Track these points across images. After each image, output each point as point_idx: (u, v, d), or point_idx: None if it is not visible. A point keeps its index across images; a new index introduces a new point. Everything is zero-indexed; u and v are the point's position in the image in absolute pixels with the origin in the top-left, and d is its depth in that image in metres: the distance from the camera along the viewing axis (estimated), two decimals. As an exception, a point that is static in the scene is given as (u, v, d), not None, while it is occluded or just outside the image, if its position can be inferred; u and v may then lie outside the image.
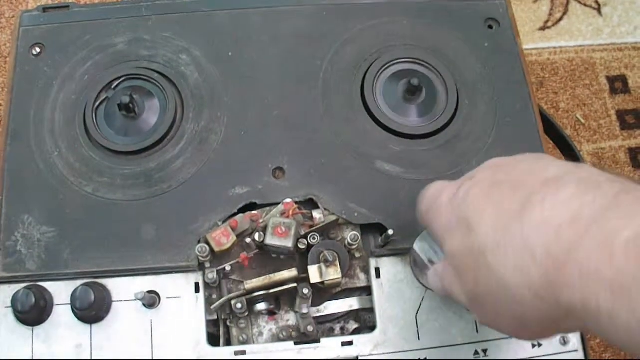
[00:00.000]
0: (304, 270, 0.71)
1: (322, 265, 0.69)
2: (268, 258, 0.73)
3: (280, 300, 0.73)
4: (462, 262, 0.53)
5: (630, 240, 0.41)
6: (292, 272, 0.70)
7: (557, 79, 1.21)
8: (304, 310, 0.70)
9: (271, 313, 0.73)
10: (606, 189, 0.45)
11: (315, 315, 0.71)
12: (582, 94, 1.20)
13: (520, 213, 0.47)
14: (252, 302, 0.71)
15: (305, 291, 0.70)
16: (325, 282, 0.69)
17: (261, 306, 0.71)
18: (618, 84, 1.21)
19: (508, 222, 0.48)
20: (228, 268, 0.72)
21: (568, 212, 0.44)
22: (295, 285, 0.70)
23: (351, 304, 0.73)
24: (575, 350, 0.71)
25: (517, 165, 0.53)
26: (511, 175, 0.51)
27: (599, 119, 1.18)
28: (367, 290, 0.73)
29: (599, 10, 1.28)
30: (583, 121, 1.18)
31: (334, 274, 0.69)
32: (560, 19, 1.27)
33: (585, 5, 1.28)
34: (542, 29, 1.26)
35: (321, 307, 0.72)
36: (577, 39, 1.25)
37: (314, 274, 0.69)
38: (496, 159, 0.57)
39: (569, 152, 0.96)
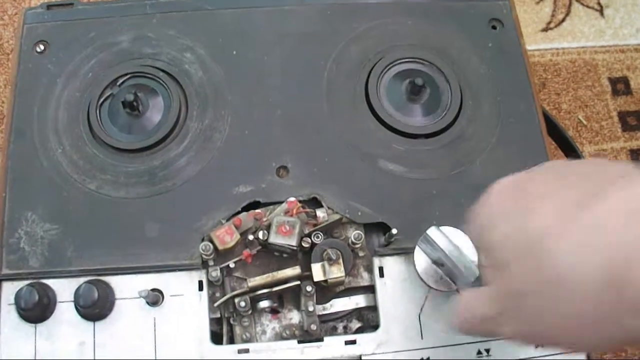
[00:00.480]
0: (307, 268, 0.71)
1: (326, 263, 0.69)
2: (271, 256, 0.73)
3: (284, 298, 0.73)
4: (510, 250, 0.48)
5: None
6: (295, 270, 0.70)
7: (560, 80, 1.21)
8: (310, 308, 0.70)
9: (274, 311, 0.73)
10: None
11: (319, 313, 0.71)
12: (584, 95, 1.20)
13: (591, 200, 0.44)
14: (255, 300, 0.70)
15: (309, 288, 0.70)
16: (329, 280, 0.69)
17: (264, 304, 0.71)
18: (620, 86, 1.21)
19: (574, 209, 0.44)
20: (232, 265, 0.72)
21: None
22: (298, 283, 0.70)
23: (357, 301, 0.73)
24: (577, 351, 0.71)
25: (580, 165, 0.51)
26: (578, 170, 0.49)
27: (600, 120, 1.18)
28: (371, 290, 0.73)
29: (601, 11, 1.28)
30: (585, 122, 1.18)
31: (337, 272, 0.69)
32: (563, 20, 1.27)
33: (587, 6, 1.28)
34: (545, 30, 1.26)
35: (327, 304, 0.72)
36: (579, 40, 1.25)
37: (318, 272, 0.69)
38: (555, 161, 0.54)
39: (572, 153, 0.96)
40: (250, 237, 0.72)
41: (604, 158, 0.49)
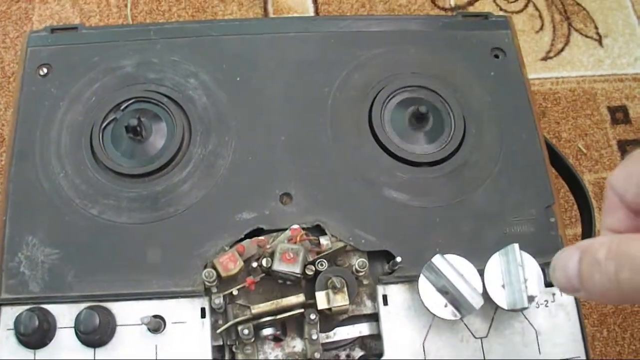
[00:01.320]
0: (311, 296, 0.70)
1: (330, 291, 0.69)
2: (274, 283, 0.73)
3: (287, 326, 0.72)
4: None
5: None
6: (299, 298, 0.69)
7: (559, 108, 1.21)
8: (314, 336, 0.69)
9: (277, 339, 0.72)
10: None
11: (323, 341, 0.71)
12: (584, 124, 1.20)
13: None
14: (258, 328, 0.70)
15: (312, 316, 0.70)
16: (333, 308, 0.69)
17: (267, 331, 0.70)
18: (619, 115, 1.22)
19: None
20: (235, 292, 0.71)
21: None
22: (302, 310, 0.70)
23: (360, 329, 0.72)
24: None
25: None
26: None
27: (600, 148, 1.19)
28: (374, 317, 0.73)
29: (600, 41, 1.29)
30: (585, 151, 1.18)
31: (341, 300, 0.69)
32: (562, 49, 1.28)
33: (586, 36, 1.29)
34: (544, 59, 1.27)
35: (330, 333, 0.71)
36: (578, 70, 1.26)
37: (322, 300, 0.69)
38: None
39: (573, 183, 0.96)
40: (254, 264, 0.72)
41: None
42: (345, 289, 0.69)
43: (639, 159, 0.46)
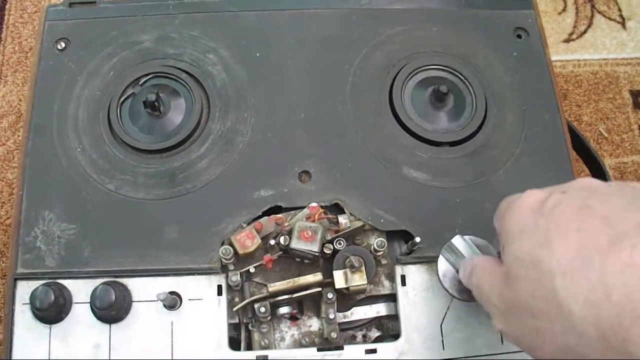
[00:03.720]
0: (328, 275, 0.69)
1: (348, 270, 0.68)
2: (292, 262, 0.72)
3: (303, 305, 0.72)
4: (522, 270, 0.50)
5: None
6: (316, 277, 0.69)
7: (581, 91, 1.20)
8: (331, 316, 0.69)
9: (293, 318, 0.71)
10: None
11: (339, 321, 0.70)
12: (605, 108, 1.19)
13: (606, 249, 0.45)
14: (275, 306, 0.69)
15: (330, 296, 0.69)
16: (350, 287, 0.68)
17: (284, 310, 0.70)
18: (641, 99, 1.20)
19: (591, 254, 0.46)
20: (252, 270, 0.70)
21: None
22: (319, 289, 0.69)
23: (378, 310, 0.72)
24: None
25: (612, 197, 0.50)
26: (605, 206, 0.49)
27: (621, 133, 1.17)
28: (392, 298, 0.72)
29: (623, 24, 1.27)
30: (606, 135, 1.16)
31: (359, 280, 0.68)
32: (585, 31, 1.26)
33: (609, 18, 1.27)
34: (567, 41, 1.25)
35: (347, 312, 0.71)
36: (601, 52, 1.24)
37: (339, 279, 0.68)
38: (590, 180, 0.54)
39: (594, 166, 0.95)
40: (272, 241, 0.71)
41: (632, 185, 0.49)
42: (364, 268, 0.69)
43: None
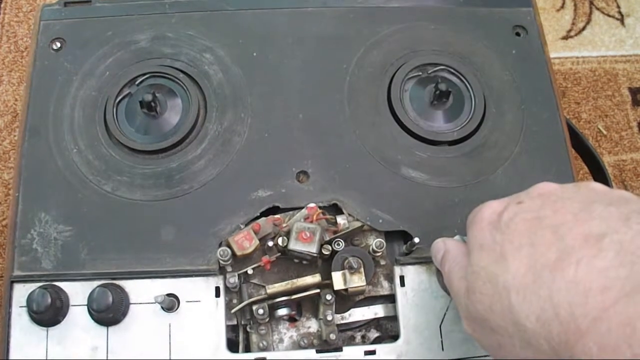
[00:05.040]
0: (327, 276, 0.69)
1: (347, 272, 0.68)
2: (290, 263, 0.72)
3: (302, 306, 0.72)
4: (481, 284, 0.52)
5: None
6: (315, 278, 0.68)
7: (579, 89, 1.19)
8: (329, 317, 0.68)
9: (292, 320, 0.71)
10: None
11: (338, 322, 0.70)
12: (604, 105, 1.18)
13: (554, 265, 0.47)
14: (273, 308, 0.69)
15: (329, 297, 0.69)
16: (349, 289, 0.68)
17: (282, 312, 0.69)
18: (640, 96, 1.20)
19: (541, 270, 0.47)
20: (250, 271, 0.70)
21: (601, 279, 0.44)
22: (318, 291, 0.69)
23: (376, 311, 0.71)
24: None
25: (566, 204, 0.51)
26: (557, 216, 0.50)
27: (620, 130, 1.17)
28: (391, 299, 0.72)
29: (622, 20, 1.27)
30: (605, 132, 1.16)
31: (358, 281, 0.68)
32: (583, 28, 1.26)
33: (608, 15, 1.27)
34: (565, 38, 1.25)
35: (345, 314, 0.71)
36: (599, 49, 1.23)
37: (338, 280, 0.68)
38: (548, 185, 0.55)
39: (593, 164, 0.94)
40: (270, 243, 0.71)
41: (591, 187, 0.52)
42: (362, 269, 0.68)
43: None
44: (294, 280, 0.68)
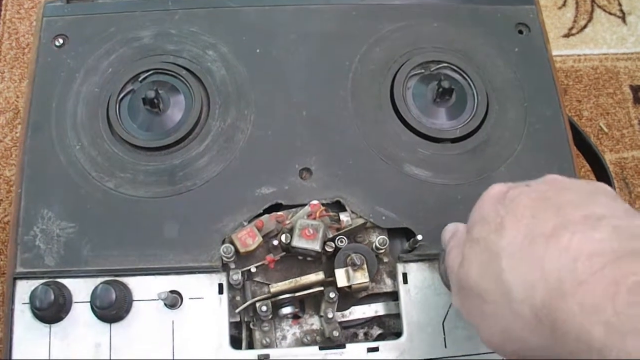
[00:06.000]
0: (330, 273, 0.69)
1: (350, 269, 0.68)
2: (293, 261, 0.72)
3: (305, 303, 0.72)
4: (476, 252, 0.53)
5: (637, 284, 0.41)
6: (318, 276, 0.68)
7: (581, 86, 1.19)
8: (330, 315, 0.68)
9: (295, 317, 0.71)
10: (638, 244, 0.45)
11: (339, 320, 0.70)
12: (606, 103, 1.18)
13: (550, 234, 0.47)
14: (276, 306, 0.69)
15: (332, 295, 0.69)
16: (353, 285, 0.68)
17: (286, 310, 0.69)
18: (642, 94, 1.20)
19: (535, 238, 0.48)
20: (253, 269, 0.70)
21: (592, 247, 0.45)
22: (321, 289, 0.69)
23: (376, 309, 0.71)
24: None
25: (571, 191, 0.52)
26: (561, 197, 0.51)
27: (622, 128, 1.17)
28: (394, 296, 0.72)
29: (623, 18, 1.27)
30: (606, 130, 1.16)
31: (361, 278, 0.68)
32: (585, 26, 1.26)
33: (609, 13, 1.27)
34: (567, 35, 1.25)
35: (346, 312, 0.71)
36: (601, 47, 1.23)
37: (341, 277, 0.68)
38: (557, 176, 0.56)
39: (595, 162, 0.94)
40: (275, 242, 0.71)
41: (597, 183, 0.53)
42: (365, 266, 0.68)
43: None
44: (298, 279, 0.68)
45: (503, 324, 0.49)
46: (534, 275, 0.46)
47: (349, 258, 0.68)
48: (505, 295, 0.48)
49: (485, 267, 0.51)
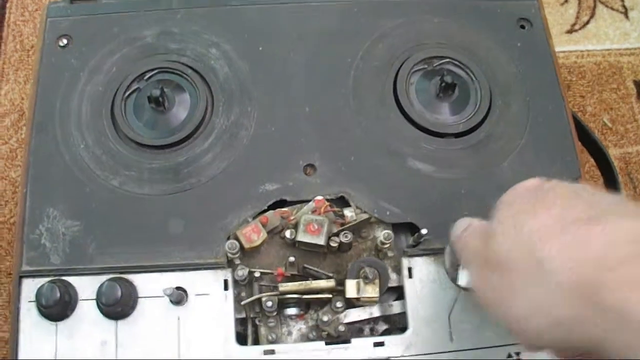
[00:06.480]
0: (335, 267, 0.69)
1: (361, 281, 0.68)
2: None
3: (311, 303, 0.72)
4: (504, 228, 0.54)
5: None
6: (329, 283, 0.68)
7: (584, 82, 1.19)
8: (324, 319, 0.69)
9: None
10: None
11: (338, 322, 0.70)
12: (609, 98, 1.18)
13: (584, 222, 0.49)
14: (282, 304, 0.69)
15: (339, 305, 0.69)
16: (362, 298, 0.68)
17: (291, 311, 0.70)
18: (645, 89, 1.20)
19: (569, 224, 0.49)
20: (257, 274, 0.70)
21: (630, 234, 0.47)
22: (329, 296, 0.69)
23: (372, 311, 0.71)
24: None
25: (603, 196, 0.54)
26: (593, 197, 0.52)
27: (625, 123, 1.17)
28: (399, 291, 0.72)
29: (625, 14, 1.27)
30: (610, 125, 1.16)
31: (371, 292, 0.68)
32: (587, 22, 1.26)
33: (612, 9, 1.27)
34: (569, 31, 1.25)
35: (341, 315, 0.70)
36: (604, 43, 1.24)
37: (351, 288, 0.68)
38: (584, 185, 0.57)
39: (599, 157, 0.94)
40: (291, 259, 0.70)
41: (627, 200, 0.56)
42: (377, 281, 0.68)
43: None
44: (308, 282, 0.69)
45: (533, 296, 0.50)
46: (572, 252, 0.48)
47: (362, 271, 0.68)
48: (539, 267, 0.49)
49: (517, 241, 0.52)
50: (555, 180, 0.56)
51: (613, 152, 1.14)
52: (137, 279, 0.70)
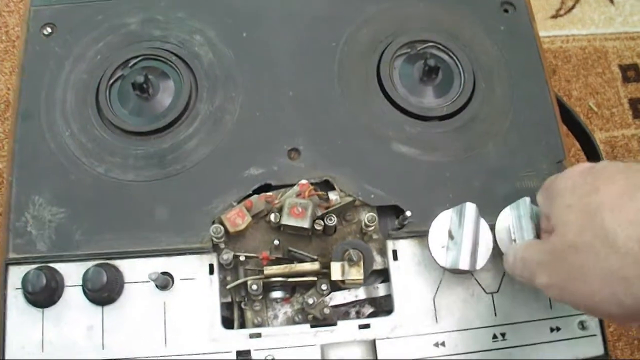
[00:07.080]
0: (320, 250, 0.70)
1: (346, 263, 0.68)
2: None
3: (296, 286, 0.72)
4: (572, 215, 0.56)
5: None
6: (314, 265, 0.69)
7: (570, 67, 1.20)
8: (310, 301, 0.69)
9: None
10: None
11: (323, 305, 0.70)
12: (595, 82, 1.19)
13: None
14: (268, 288, 0.70)
15: (324, 287, 0.69)
16: (346, 280, 0.68)
17: (277, 294, 0.70)
18: (630, 73, 1.20)
19: (635, 190, 0.52)
20: (242, 258, 0.70)
21: None
22: (314, 279, 0.69)
23: (357, 294, 0.72)
24: (594, 335, 0.70)
25: None
26: None
27: (611, 107, 1.17)
28: (384, 273, 0.72)
29: (611, -1, 1.27)
30: (596, 109, 1.17)
31: (355, 274, 0.68)
32: (573, 7, 1.26)
33: (597, -7, 1.28)
34: (555, 16, 1.25)
35: (327, 298, 0.70)
36: (589, 28, 1.24)
37: (336, 271, 0.68)
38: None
39: (584, 139, 0.95)
40: (276, 242, 0.71)
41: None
42: (362, 263, 0.68)
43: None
44: (292, 265, 0.69)
45: (605, 268, 0.52)
46: (631, 223, 0.51)
47: (347, 253, 0.68)
48: (609, 240, 0.51)
49: (584, 223, 0.54)
50: (602, 161, 0.58)
51: (599, 136, 1.14)
52: (123, 265, 0.70)
